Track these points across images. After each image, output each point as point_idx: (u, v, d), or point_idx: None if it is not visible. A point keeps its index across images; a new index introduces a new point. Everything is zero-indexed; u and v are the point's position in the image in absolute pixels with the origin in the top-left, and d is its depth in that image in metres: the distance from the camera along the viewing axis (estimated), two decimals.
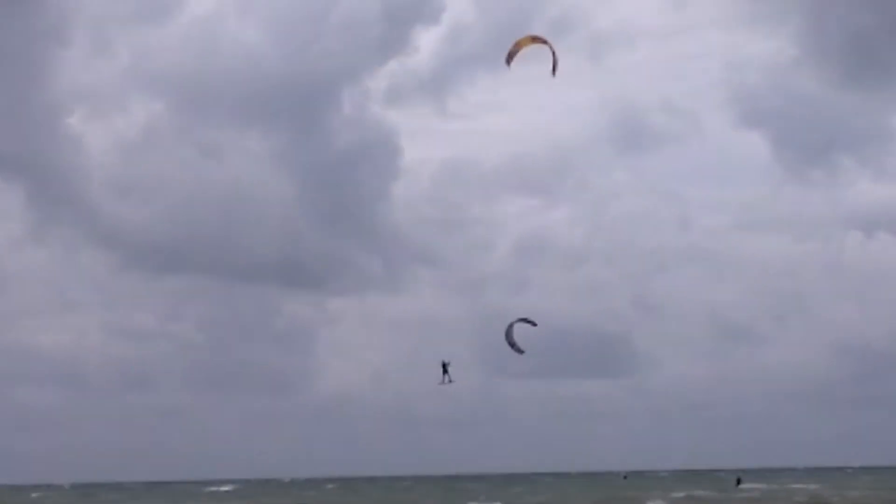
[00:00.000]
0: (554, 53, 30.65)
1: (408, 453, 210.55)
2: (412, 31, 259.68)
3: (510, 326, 38.59)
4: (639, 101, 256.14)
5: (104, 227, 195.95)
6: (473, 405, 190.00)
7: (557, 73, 29.71)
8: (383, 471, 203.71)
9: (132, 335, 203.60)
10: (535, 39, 31.12)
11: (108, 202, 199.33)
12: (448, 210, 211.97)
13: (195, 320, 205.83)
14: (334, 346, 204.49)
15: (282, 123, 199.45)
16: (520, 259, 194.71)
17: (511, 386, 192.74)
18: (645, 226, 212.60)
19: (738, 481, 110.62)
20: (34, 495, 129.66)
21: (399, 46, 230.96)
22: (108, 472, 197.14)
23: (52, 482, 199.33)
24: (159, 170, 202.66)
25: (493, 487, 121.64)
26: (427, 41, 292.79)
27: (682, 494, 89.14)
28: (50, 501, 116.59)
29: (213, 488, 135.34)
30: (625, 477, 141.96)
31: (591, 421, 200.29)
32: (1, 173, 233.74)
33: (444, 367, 62.78)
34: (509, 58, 30.73)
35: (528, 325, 38.90)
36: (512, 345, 38.49)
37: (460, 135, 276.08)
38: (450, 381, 60.18)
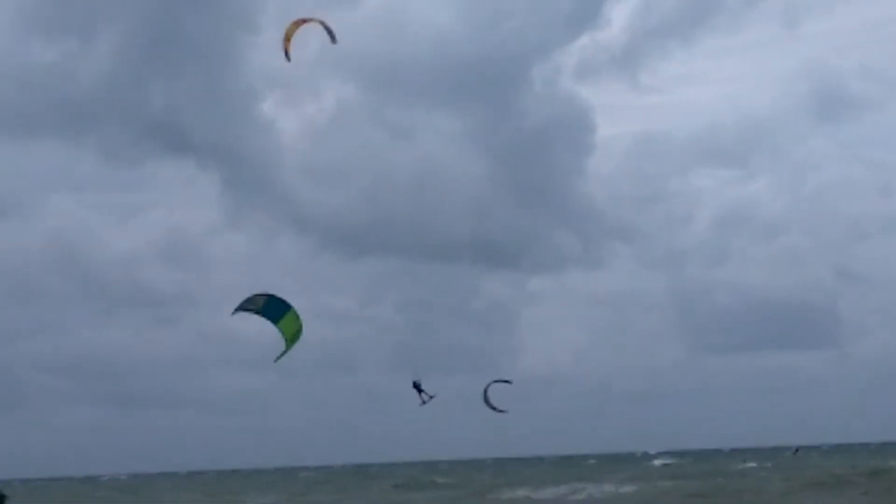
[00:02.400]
0: (325, 25, 28.34)
1: (608, 430, 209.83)
2: (603, 4, 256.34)
3: (485, 391, 39.24)
4: (836, 68, 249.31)
5: (298, 212, 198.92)
6: (674, 381, 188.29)
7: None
8: (584, 448, 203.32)
9: (332, 318, 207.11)
10: (303, 21, 28.66)
11: (302, 186, 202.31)
12: (644, 184, 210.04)
13: (393, 302, 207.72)
14: (534, 324, 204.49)
15: (472, 102, 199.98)
16: (718, 232, 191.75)
17: (712, 360, 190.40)
18: (845, 194, 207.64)
19: None
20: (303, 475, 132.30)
21: (590, 21, 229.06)
22: (311, 455, 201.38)
23: (259, 466, 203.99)
24: (350, 153, 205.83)
25: (696, 462, 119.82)
26: (618, 14, 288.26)
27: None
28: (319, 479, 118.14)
29: (413, 471, 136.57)
30: (796, 451, 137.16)
31: (795, 393, 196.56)
32: (197, 161, 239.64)
33: (417, 386, 61.38)
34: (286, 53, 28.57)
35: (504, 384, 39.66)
36: (493, 408, 39.06)
37: (654, 108, 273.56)
38: (430, 397, 59.27)
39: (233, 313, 23.92)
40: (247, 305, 24.10)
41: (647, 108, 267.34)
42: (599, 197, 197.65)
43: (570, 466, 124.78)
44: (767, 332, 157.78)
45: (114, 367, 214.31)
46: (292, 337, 22.53)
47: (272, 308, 23.89)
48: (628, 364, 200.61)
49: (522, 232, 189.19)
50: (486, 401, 39.21)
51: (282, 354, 22.66)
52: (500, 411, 39.10)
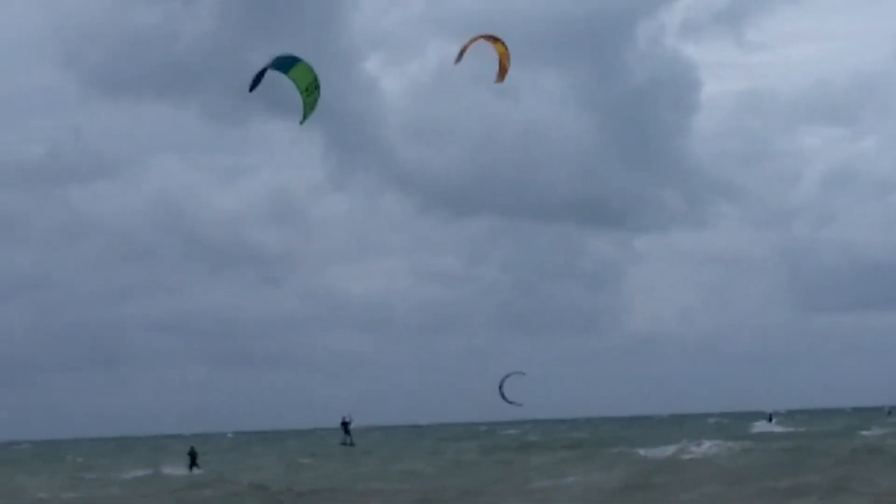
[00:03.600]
0: (502, 56, 26.46)
1: (715, 390, 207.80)
2: None
3: (500, 385, 39.81)
4: None
5: (402, 171, 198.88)
6: (782, 341, 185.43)
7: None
8: (690, 408, 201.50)
9: (436, 278, 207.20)
10: (487, 38, 26.88)
11: (405, 146, 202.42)
12: (750, 143, 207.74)
13: (498, 262, 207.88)
14: (639, 283, 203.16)
15: (576, 61, 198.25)
16: (826, 190, 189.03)
17: (820, 320, 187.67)
18: None
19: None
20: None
21: None
22: (416, 415, 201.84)
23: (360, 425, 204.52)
24: (455, 112, 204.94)
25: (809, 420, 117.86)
26: None
27: None
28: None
29: (513, 430, 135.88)
30: (889, 412, 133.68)
31: None
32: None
33: (345, 425, 60.68)
34: (459, 55, 26.93)
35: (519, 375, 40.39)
36: (509, 402, 39.70)
37: (760, 66, 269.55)
38: (351, 444, 58.78)
39: (251, 90, 22.11)
40: (257, 79, 22.39)
41: (753, 65, 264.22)
42: (704, 155, 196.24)
43: (680, 425, 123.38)
44: (876, 292, 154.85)
45: (220, 326, 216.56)
46: (308, 87, 20.83)
47: (280, 62, 22.14)
48: (735, 324, 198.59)
49: (627, 191, 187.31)
50: (501, 394, 39.58)
51: (304, 111, 20.65)
52: (516, 405, 39.79)
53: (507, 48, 24.03)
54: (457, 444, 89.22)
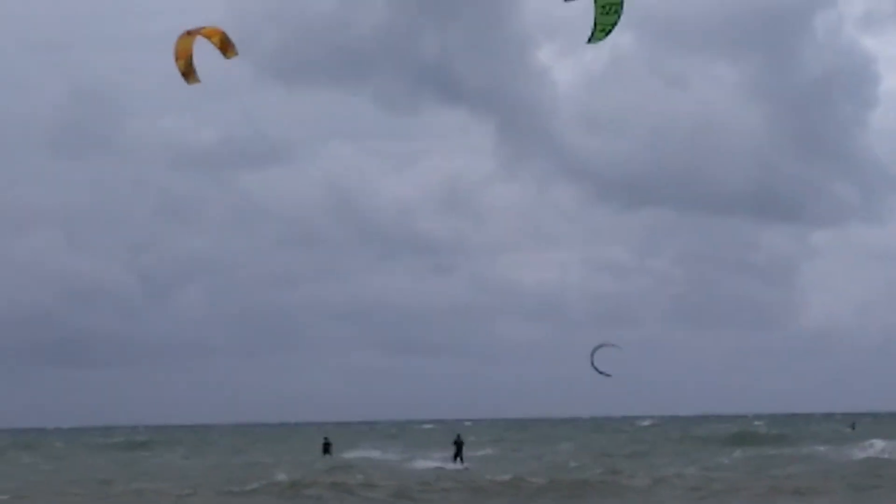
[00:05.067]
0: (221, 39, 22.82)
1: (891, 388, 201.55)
2: None
3: (592, 354, 40.04)
4: None
5: (574, 161, 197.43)
6: None
7: None
8: (866, 406, 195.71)
9: (608, 269, 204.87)
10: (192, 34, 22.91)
11: (577, 135, 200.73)
12: None
13: (671, 254, 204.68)
14: (814, 278, 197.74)
15: (751, 52, 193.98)
16: None
17: None
18: None
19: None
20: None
21: None
22: (583, 407, 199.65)
23: (534, 415, 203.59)
24: (627, 102, 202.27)
25: None
26: None
27: None
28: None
29: (697, 426, 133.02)
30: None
31: None
32: (472, 109, 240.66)
33: (459, 446, 57.75)
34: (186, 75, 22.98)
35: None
36: (601, 373, 39.85)
37: None
38: (462, 464, 55.35)
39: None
40: None
41: None
42: (881, 150, 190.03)
43: (862, 424, 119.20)
44: None
45: (391, 314, 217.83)
46: (606, 5, 18.60)
47: None
48: None
49: (802, 184, 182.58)
50: (592, 364, 39.63)
51: (594, 31, 18.28)
52: (605, 374, 39.68)
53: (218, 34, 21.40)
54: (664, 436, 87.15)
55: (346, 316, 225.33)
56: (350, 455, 62.43)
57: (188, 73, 20.28)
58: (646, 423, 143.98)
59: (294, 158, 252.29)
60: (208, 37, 20.37)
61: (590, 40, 18.92)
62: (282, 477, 42.54)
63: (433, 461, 55.96)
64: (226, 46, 20.21)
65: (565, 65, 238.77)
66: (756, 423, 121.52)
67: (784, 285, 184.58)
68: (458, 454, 55.65)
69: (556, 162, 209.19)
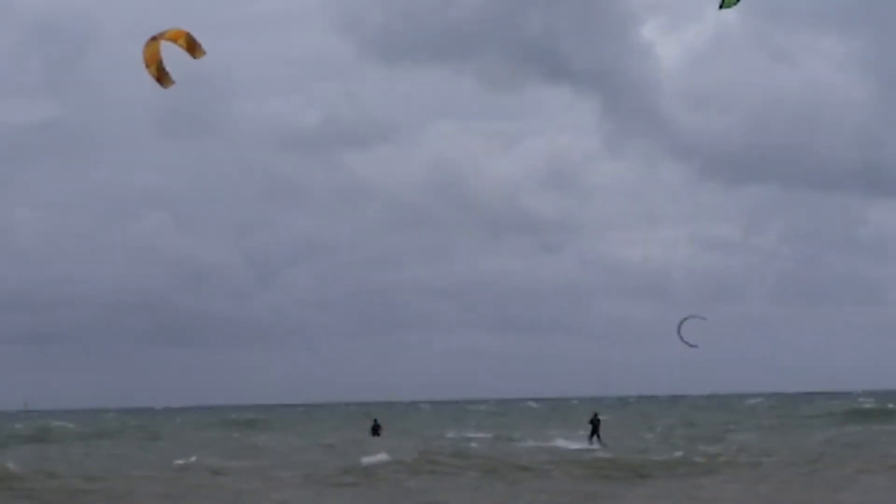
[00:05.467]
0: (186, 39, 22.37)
1: None
2: None
3: (679, 326, 40.25)
4: None
5: (679, 138, 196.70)
6: None
7: None
8: None
9: (714, 246, 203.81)
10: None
11: (682, 112, 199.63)
12: None
13: (776, 231, 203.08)
14: None
15: (860, 26, 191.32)
16: None
17: None
18: None
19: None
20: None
21: None
22: (685, 385, 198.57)
23: (639, 393, 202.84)
24: (732, 78, 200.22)
25: None
26: None
27: None
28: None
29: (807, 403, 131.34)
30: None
31: None
32: (576, 87, 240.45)
33: (595, 424, 55.16)
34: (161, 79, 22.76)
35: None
36: (689, 345, 40.11)
37: None
38: (601, 443, 52.73)
39: None
40: None
41: None
42: None
43: None
44: None
45: (497, 293, 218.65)
46: None
47: None
48: None
49: None
50: (680, 336, 39.71)
51: None
52: (692, 346, 39.68)
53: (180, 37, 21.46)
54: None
55: (452, 295, 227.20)
56: (474, 434, 61.77)
57: (161, 77, 21.02)
58: (753, 400, 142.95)
59: (398, 138, 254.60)
60: (174, 39, 21.08)
61: (721, 6, 19.04)
62: (397, 455, 42.54)
63: (569, 441, 53.37)
64: (192, 47, 20.80)
65: (669, 41, 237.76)
66: (862, 399, 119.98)
67: (892, 261, 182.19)
68: (594, 432, 53.02)
69: (660, 139, 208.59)
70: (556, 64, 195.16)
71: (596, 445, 50.97)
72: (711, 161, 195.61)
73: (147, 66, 21.00)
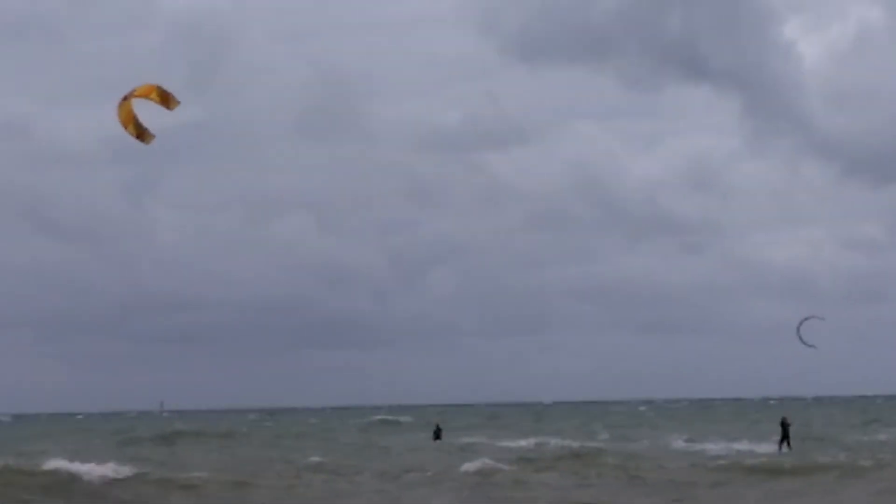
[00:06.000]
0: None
1: None
2: None
3: (798, 327, 40.24)
4: None
5: (821, 137, 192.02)
6: None
7: None
8: None
9: (859, 246, 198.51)
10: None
11: (824, 111, 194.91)
12: None
13: None
14: None
15: None
16: None
17: None
18: None
19: None
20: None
21: None
22: (835, 385, 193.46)
23: (781, 394, 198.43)
24: (875, 76, 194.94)
25: None
26: None
27: None
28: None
29: None
30: None
31: None
32: (716, 86, 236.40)
33: (786, 428, 50.93)
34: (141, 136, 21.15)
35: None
36: (807, 345, 40.06)
37: None
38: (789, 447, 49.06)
39: None
40: None
41: None
42: None
43: None
44: None
45: (639, 293, 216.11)
46: None
47: None
48: None
49: None
50: (799, 336, 39.81)
51: None
52: (810, 346, 39.85)
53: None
54: None
55: (592, 296, 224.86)
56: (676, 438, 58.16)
57: (141, 134, 20.63)
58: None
59: (539, 139, 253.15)
60: (145, 95, 20.85)
61: None
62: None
63: (753, 444, 50.07)
64: (166, 99, 20.13)
65: (811, 40, 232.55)
66: None
67: None
68: (784, 438, 49.11)
69: (802, 138, 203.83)
70: (697, 63, 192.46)
71: (786, 450, 47.83)
72: (855, 160, 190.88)
73: (124, 126, 20.75)
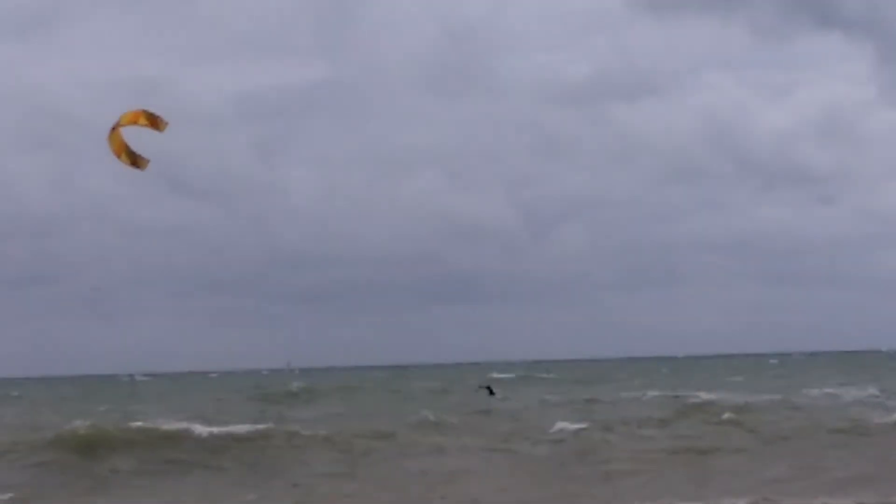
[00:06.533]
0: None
1: None
2: None
3: None
4: None
5: None
6: None
7: None
8: None
9: None
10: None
11: None
12: None
13: None
14: None
15: None
16: None
17: None
18: None
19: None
20: None
21: None
22: None
23: None
24: None
25: None
26: None
27: None
28: None
29: None
30: None
31: None
32: (849, 35, 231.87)
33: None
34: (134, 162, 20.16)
35: None
36: None
37: None
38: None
39: None
40: None
41: None
42: None
43: None
44: None
45: (771, 245, 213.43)
46: None
47: None
48: None
49: None
50: None
51: None
52: None
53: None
54: None
55: (725, 248, 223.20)
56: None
57: (135, 161, 20.17)
58: None
59: (668, 90, 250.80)
60: (133, 122, 20.30)
61: None
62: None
63: None
64: (155, 122, 20.04)
65: None
66: None
67: None
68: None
69: None
70: (829, 11, 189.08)
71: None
72: None
73: (117, 156, 20.40)
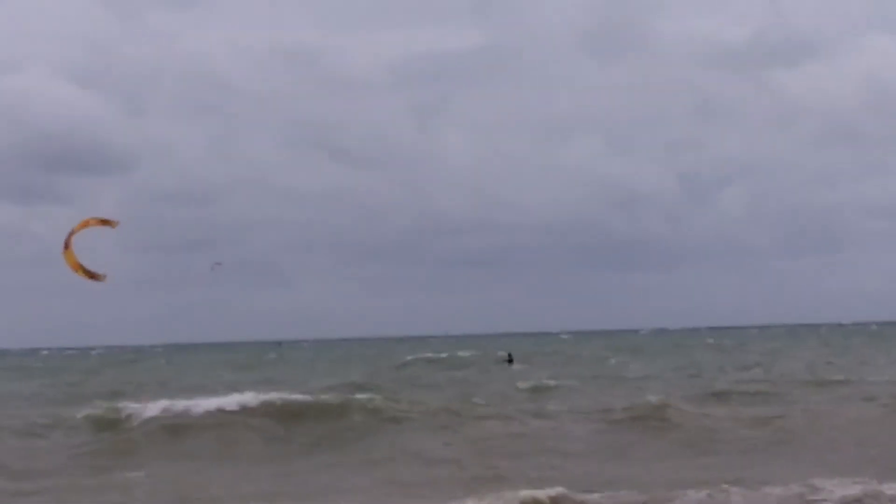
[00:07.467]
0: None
1: None
2: None
3: None
4: None
5: None
6: None
7: None
8: None
9: None
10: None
11: None
12: None
13: None
14: None
15: None
16: None
17: None
18: None
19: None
20: None
21: None
22: None
23: None
24: None
25: None
26: None
27: None
28: None
29: None
30: None
31: None
32: None
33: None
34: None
35: None
36: None
37: None
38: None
39: None
40: None
41: None
42: None
43: None
44: None
45: None
46: None
47: None
48: None
49: None
50: None
51: None
52: None
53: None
54: None
55: (889, 213, 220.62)
56: None
57: (92, 276, 20.76)
58: None
59: (829, 53, 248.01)
60: (84, 226, 21.03)
61: None
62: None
63: None
64: (106, 222, 21.16)
65: None
66: None
67: None
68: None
69: None
70: None
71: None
72: None
73: (74, 272, 21.02)
